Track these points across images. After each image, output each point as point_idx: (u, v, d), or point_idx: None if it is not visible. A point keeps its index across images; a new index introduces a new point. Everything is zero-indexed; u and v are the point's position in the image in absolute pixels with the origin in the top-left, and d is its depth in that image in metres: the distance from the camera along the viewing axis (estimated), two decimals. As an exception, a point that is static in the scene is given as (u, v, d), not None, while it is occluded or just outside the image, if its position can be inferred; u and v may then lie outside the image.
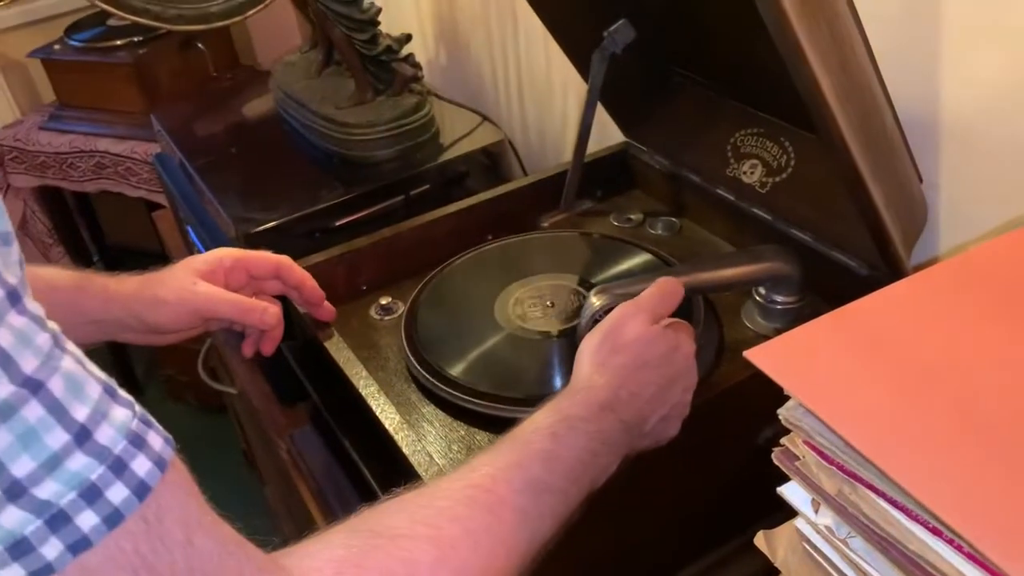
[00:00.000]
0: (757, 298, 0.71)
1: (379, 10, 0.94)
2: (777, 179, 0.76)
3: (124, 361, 2.20)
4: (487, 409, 0.64)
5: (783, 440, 0.36)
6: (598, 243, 0.81)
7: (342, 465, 0.77)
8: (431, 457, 0.57)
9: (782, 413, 0.35)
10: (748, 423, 0.64)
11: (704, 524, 0.68)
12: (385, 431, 0.60)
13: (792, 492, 0.36)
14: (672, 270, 0.66)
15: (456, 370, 0.67)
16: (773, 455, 0.37)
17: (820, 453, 0.32)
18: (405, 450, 0.57)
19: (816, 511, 0.34)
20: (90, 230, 1.98)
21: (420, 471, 0.56)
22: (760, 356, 0.33)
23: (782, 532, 0.38)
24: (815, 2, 0.50)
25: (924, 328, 0.35)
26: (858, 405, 0.30)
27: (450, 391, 0.65)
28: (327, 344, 0.68)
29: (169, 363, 2.10)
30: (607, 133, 0.94)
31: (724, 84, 0.81)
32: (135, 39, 1.67)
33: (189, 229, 1.09)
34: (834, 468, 0.31)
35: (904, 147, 0.63)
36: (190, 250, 1.17)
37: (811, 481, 0.33)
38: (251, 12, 1.47)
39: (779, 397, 0.65)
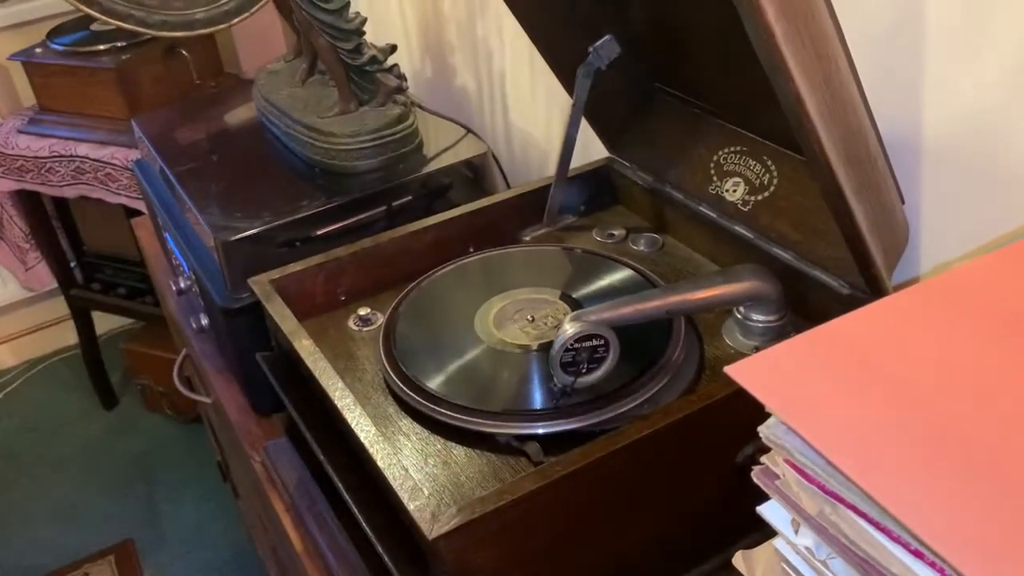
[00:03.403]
0: (738, 316, 0.70)
1: (364, 20, 0.93)
2: (759, 197, 0.76)
3: (99, 369, 2.17)
4: (465, 423, 0.63)
5: (763, 459, 0.36)
6: (581, 258, 0.81)
7: (317, 478, 0.76)
8: (407, 471, 0.56)
9: (762, 431, 0.34)
10: (727, 441, 0.63)
11: (682, 543, 0.67)
12: (360, 444, 0.59)
13: (772, 511, 0.35)
14: (650, 293, 0.66)
15: (434, 383, 0.66)
16: (752, 473, 0.36)
17: (801, 472, 0.31)
18: (380, 463, 0.56)
19: (796, 531, 0.33)
20: (68, 235, 1.95)
21: (395, 485, 0.55)
22: (741, 372, 0.33)
23: (761, 552, 0.38)
24: (800, 19, 0.50)
25: (906, 347, 0.35)
26: (840, 424, 0.29)
27: (428, 404, 0.64)
28: (303, 354, 0.67)
29: (145, 372, 2.08)
30: (590, 149, 0.94)
31: (708, 102, 0.81)
32: (118, 44, 1.65)
33: (167, 236, 1.07)
34: (815, 488, 0.31)
35: (887, 167, 0.63)
36: (168, 258, 1.15)
37: (791, 500, 0.33)
38: (236, 20, 1.47)
39: (759, 415, 0.64)
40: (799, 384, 0.32)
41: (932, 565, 0.26)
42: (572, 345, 0.60)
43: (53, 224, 1.93)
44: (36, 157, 1.70)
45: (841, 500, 0.29)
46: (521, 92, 1.16)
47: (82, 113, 1.69)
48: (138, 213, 1.68)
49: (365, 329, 0.76)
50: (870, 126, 0.61)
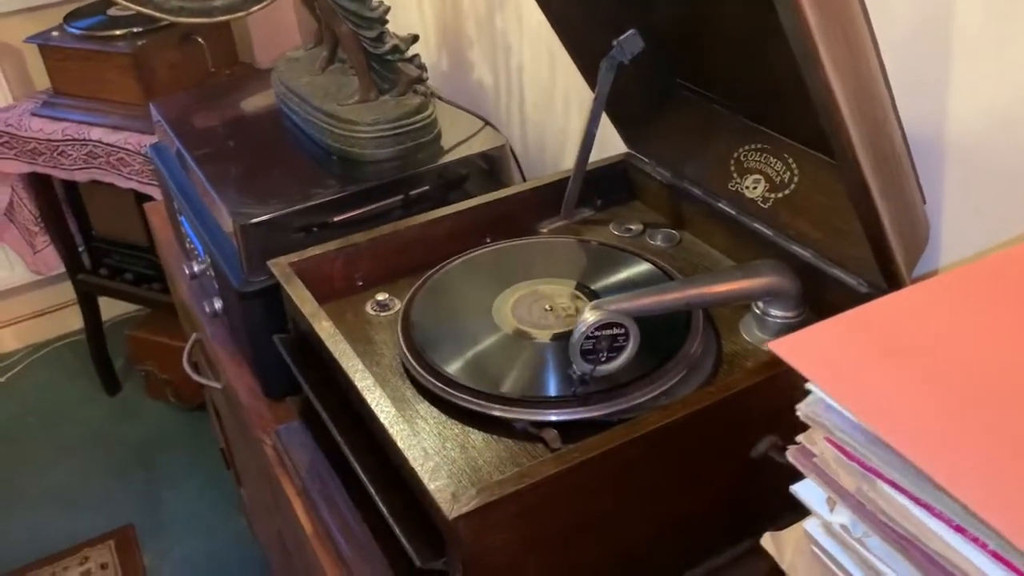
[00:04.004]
0: (756, 311, 0.71)
1: (387, 8, 0.93)
2: (779, 195, 0.77)
3: (103, 355, 2.17)
4: (483, 408, 0.63)
5: (799, 437, 0.36)
6: (599, 251, 0.81)
7: (331, 461, 0.76)
8: (426, 452, 0.56)
9: (801, 409, 0.34)
10: (743, 434, 0.64)
11: (694, 535, 0.67)
12: (380, 425, 0.59)
13: (806, 490, 0.35)
14: (670, 285, 0.66)
15: (453, 368, 0.66)
16: (788, 452, 0.37)
17: (840, 449, 0.32)
18: (400, 444, 0.57)
19: (832, 509, 0.34)
20: (77, 219, 1.95)
21: (415, 465, 0.55)
22: (785, 348, 0.33)
23: (790, 534, 0.38)
24: (834, 9, 0.50)
25: (945, 327, 0.35)
26: (885, 399, 0.30)
27: (446, 389, 0.65)
28: (323, 336, 0.67)
29: (148, 359, 2.08)
30: (607, 144, 0.94)
31: (730, 98, 0.82)
32: (135, 30, 1.66)
33: (183, 220, 1.08)
34: (854, 464, 0.31)
35: (910, 165, 0.64)
36: (182, 242, 1.15)
37: (829, 478, 0.33)
38: (255, 8, 1.46)
39: (774, 410, 0.65)
40: (842, 361, 0.33)
41: (975, 540, 0.27)
42: (593, 333, 0.61)
43: (63, 208, 1.93)
44: (49, 140, 1.70)
45: (881, 476, 0.29)
46: (539, 87, 1.16)
47: (96, 97, 1.70)
48: (148, 199, 1.68)
49: (383, 314, 0.77)
50: (896, 123, 0.61)
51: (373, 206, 0.93)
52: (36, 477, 1.98)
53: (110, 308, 2.23)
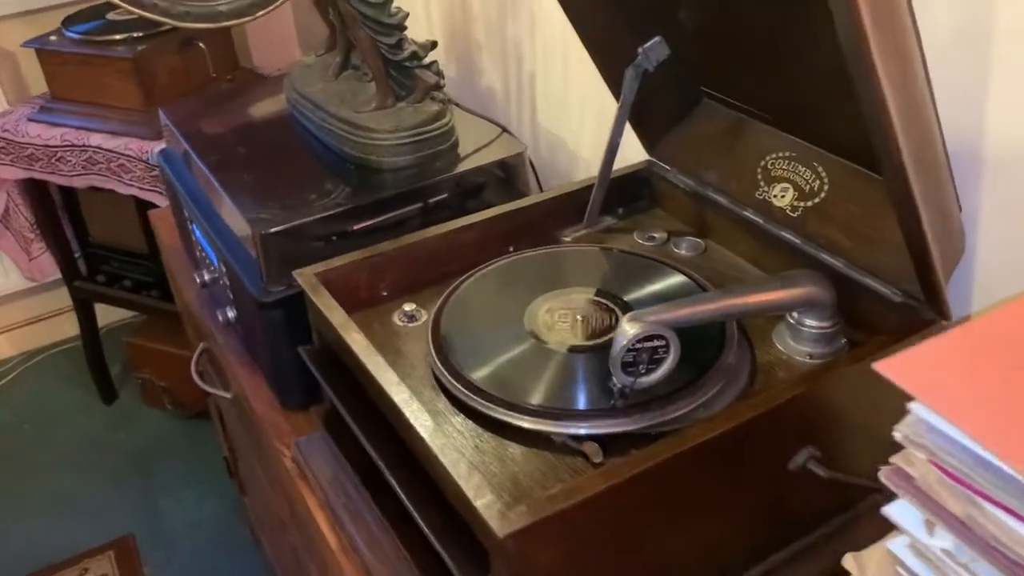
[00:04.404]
0: (790, 321, 0.70)
1: (406, 15, 0.93)
2: (809, 204, 0.76)
3: (99, 363, 2.14)
4: (521, 422, 0.62)
5: (893, 459, 0.35)
6: (629, 260, 0.80)
7: (359, 474, 0.75)
8: (471, 468, 0.55)
9: (901, 430, 0.34)
10: (782, 446, 0.63)
11: (732, 549, 0.67)
12: (420, 440, 0.58)
13: (901, 512, 0.35)
14: (707, 296, 0.65)
15: (487, 380, 0.65)
16: (881, 474, 0.36)
17: (945, 471, 0.31)
18: (444, 460, 0.56)
19: (931, 533, 0.33)
20: (73, 226, 1.93)
21: (460, 482, 0.54)
22: (891, 368, 0.32)
23: (872, 554, 0.37)
24: (887, 21, 0.50)
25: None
26: (999, 420, 0.29)
27: (483, 401, 0.64)
28: (355, 348, 0.66)
29: (146, 366, 2.05)
30: (624, 152, 0.93)
31: (756, 106, 0.81)
32: (135, 34, 1.64)
33: (194, 228, 1.06)
34: (962, 487, 0.30)
35: (949, 174, 0.63)
36: (191, 250, 1.14)
37: (930, 501, 0.32)
38: (261, 13, 1.45)
39: (810, 421, 0.64)
40: (952, 380, 0.32)
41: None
42: (634, 345, 0.60)
43: (59, 214, 1.91)
44: (47, 146, 1.68)
45: (993, 500, 0.29)
46: (552, 95, 1.16)
47: (95, 103, 1.68)
48: (148, 205, 1.66)
49: (410, 325, 0.76)
50: (938, 131, 0.61)
51: (392, 214, 0.92)
52: (33, 486, 1.95)
53: (105, 315, 2.21)
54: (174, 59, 1.68)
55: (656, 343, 0.61)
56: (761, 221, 0.80)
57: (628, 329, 0.61)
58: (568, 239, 0.87)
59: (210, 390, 1.20)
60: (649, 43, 0.80)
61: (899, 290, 0.69)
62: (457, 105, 1.04)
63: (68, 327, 2.35)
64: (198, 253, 1.09)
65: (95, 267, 1.96)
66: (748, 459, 0.62)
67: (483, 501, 0.53)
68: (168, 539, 1.80)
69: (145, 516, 1.85)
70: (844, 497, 0.73)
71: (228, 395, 1.16)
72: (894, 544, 0.35)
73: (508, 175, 0.99)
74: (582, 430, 0.62)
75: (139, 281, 1.93)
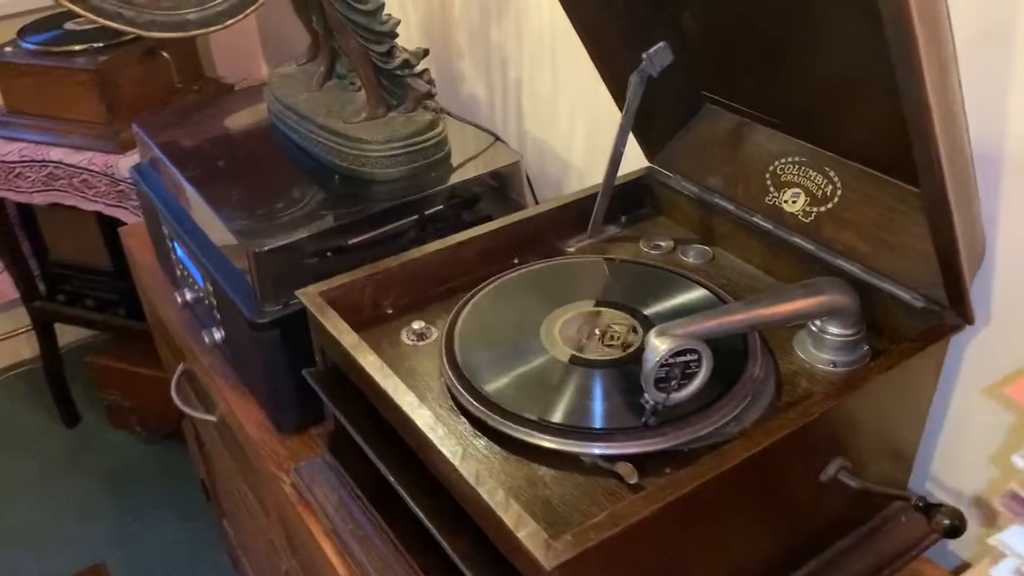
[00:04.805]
0: (812, 329, 0.69)
1: (398, 22, 0.90)
2: (822, 209, 0.75)
3: (61, 385, 2.07)
4: (549, 443, 0.60)
5: (1012, 485, 0.34)
6: (642, 272, 0.78)
7: (371, 500, 0.72)
8: (507, 496, 0.53)
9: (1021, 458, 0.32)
10: (812, 458, 0.62)
11: (764, 564, 0.65)
12: (450, 466, 0.56)
13: (1016, 538, 0.33)
14: (733, 307, 0.64)
15: (510, 401, 0.63)
16: (999, 501, 0.34)
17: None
18: (480, 488, 0.53)
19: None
20: (32, 244, 1.86)
21: (499, 511, 0.51)
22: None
23: (973, 580, 0.36)
24: (931, 17, 0.49)
25: None
26: None
27: (508, 423, 0.61)
28: (371, 371, 0.63)
29: (112, 387, 1.99)
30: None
31: (761, 111, 0.80)
32: (96, 45, 1.58)
33: (175, 246, 1.02)
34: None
35: (974, 179, 0.63)
36: (170, 268, 1.09)
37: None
38: (230, 21, 1.41)
39: (837, 433, 0.63)
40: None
41: None
42: (667, 360, 0.58)
43: (16, 232, 1.83)
44: (3, 161, 1.61)
45: None
46: (540, 101, 1.14)
47: (55, 116, 1.61)
48: (113, 221, 1.61)
49: (420, 343, 0.73)
50: (966, 135, 0.60)
51: (387, 228, 0.89)
52: (-6, 516, 1.87)
53: (64, 335, 2.13)
54: (137, 70, 1.62)
55: (688, 357, 0.59)
56: (772, 227, 0.78)
57: (659, 344, 0.59)
58: (572, 250, 0.85)
59: (192, 413, 1.15)
60: (653, 48, 0.78)
61: (920, 295, 0.68)
62: (448, 114, 1.02)
63: (24, 349, 2.27)
64: (179, 272, 1.05)
65: (55, 286, 1.89)
66: (784, 473, 0.61)
67: (527, 531, 0.50)
68: (142, 566, 1.74)
69: (117, 543, 1.79)
70: (865, 508, 0.72)
71: (213, 418, 1.12)
72: (1000, 570, 0.34)
73: (504, 185, 0.96)
74: (614, 450, 0.59)
75: (103, 300, 1.86)
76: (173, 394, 1.16)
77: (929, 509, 0.63)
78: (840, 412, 0.61)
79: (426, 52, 0.93)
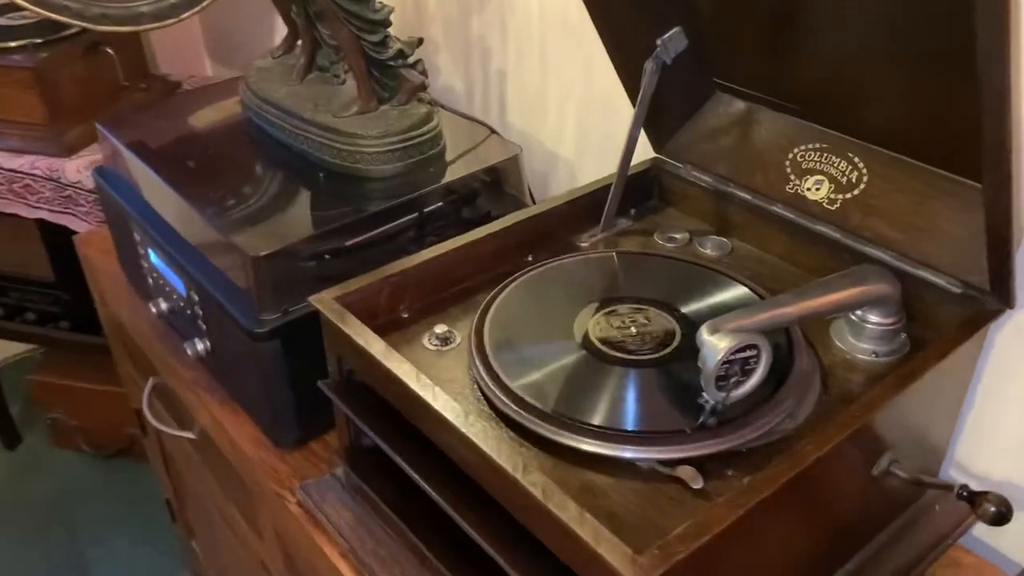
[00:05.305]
0: (852, 318, 0.67)
1: (391, 10, 0.85)
2: (848, 196, 0.74)
3: None
4: (606, 450, 0.57)
5: None
6: (665, 266, 0.76)
7: (400, 518, 0.67)
8: (581, 510, 0.49)
9: None
10: (868, 451, 0.60)
11: (823, 558, 0.63)
12: (513, 481, 0.52)
13: None
14: (781, 299, 0.61)
15: (557, 408, 0.59)
16: None
17: None
18: (550, 503, 0.49)
19: None
20: (-38, 255, 1.74)
21: (574, 525, 0.48)
22: None
23: None
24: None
25: None
26: None
27: (561, 432, 0.58)
28: (409, 382, 0.59)
29: (56, 405, 1.88)
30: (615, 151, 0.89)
31: (777, 96, 0.78)
32: (35, 41, 1.48)
33: (150, 253, 0.95)
34: None
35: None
36: (140, 277, 1.02)
37: None
38: (186, 14, 1.34)
39: (886, 425, 0.61)
40: None
41: None
42: (730, 357, 0.55)
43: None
44: (-67, 168, 1.50)
45: None
46: (526, 92, 1.10)
47: (-10, 118, 1.51)
48: (58, 229, 1.51)
49: (444, 348, 0.68)
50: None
51: (387, 227, 0.84)
52: (-68, 549, 1.75)
53: (-1, 351, 2.01)
54: (80, 67, 1.52)
55: (748, 353, 0.57)
56: (794, 216, 0.77)
57: (718, 342, 0.56)
58: (586, 244, 0.82)
59: (166, 430, 1.09)
60: (668, 34, 0.76)
61: (957, 280, 0.67)
62: (441, 106, 0.97)
63: (-48, 368, 2.13)
64: (152, 280, 0.98)
65: (-11, 297, 1.78)
66: (845, 469, 0.59)
67: (607, 546, 0.47)
68: (100, 593, 1.65)
69: (71, 569, 1.69)
70: (901, 500, 0.71)
71: (190, 435, 1.06)
72: None
73: (502, 180, 0.93)
74: (674, 454, 0.56)
75: (45, 313, 1.75)
76: (145, 411, 1.09)
77: (974, 497, 0.62)
78: (897, 404, 0.59)
79: (420, 41, 0.89)
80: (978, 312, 0.65)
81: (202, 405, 0.94)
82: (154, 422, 1.07)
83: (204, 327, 0.88)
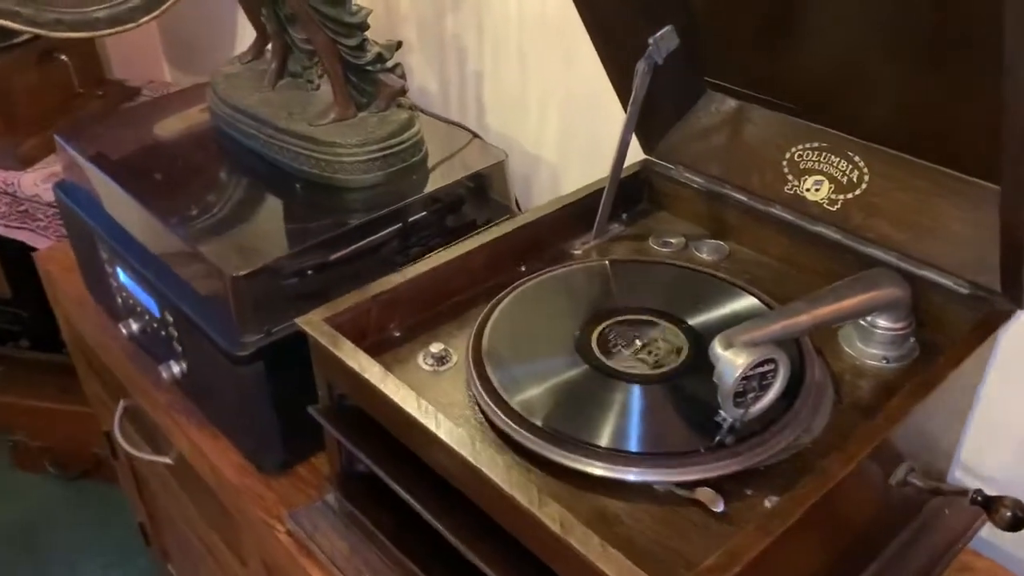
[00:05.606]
0: (861, 323, 0.65)
1: (369, 12, 0.81)
2: (849, 196, 0.72)
3: (-43, 426, 1.87)
4: (621, 473, 0.54)
5: None
6: (668, 274, 0.73)
7: (396, 546, 0.64)
8: (602, 542, 0.47)
9: None
10: (884, 462, 0.59)
11: (839, 569, 0.61)
12: (529, 515, 0.49)
13: None
14: (793, 308, 0.59)
15: (567, 430, 0.56)
16: None
17: None
18: (571, 538, 0.46)
19: None
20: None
21: (600, 563, 0.45)
22: None
23: None
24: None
25: None
26: None
27: (573, 456, 0.55)
28: (410, 410, 0.56)
29: (18, 426, 1.81)
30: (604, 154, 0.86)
31: (771, 95, 0.76)
32: (-16, 49, 1.41)
33: (118, 271, 0.90)
34: None
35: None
36: (111, 296, 0.97)
37: None
38: (146, 18, 1.28)
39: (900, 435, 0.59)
40: None
41: None
42: (749, 372, 0.53)
43: None
44: None
45: None
46: (504, 93, 1.07)
47: (-64, 130, 1.44)
48: (13, 245, 1.44)
49: (442, 369, 0.65)
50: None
51: (371, 239, 0.81)
52: None
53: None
54: (33, 75, 1.46)
55: (765, 368, 0.54)
56: (794, 218, 0.75)
57: (735, 358, 0.53)
58: (579, 252, 0.79)
59: (140, 455, 1.04)
60: (660, 32, 0.73)
61: (965, 281, 0.65)
62: (421, 111, 0.94)
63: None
64: (121, 300, 0.93)
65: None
66: (865, 482, 0.57)
67: (637, 582, 0.44)
68: (71, 621, 1.59)
69: (40, 598, 1.63)
70: (913, 506, 0.70)
71: (167, 460, 1.01)
72: None
73: (487, 186, 0.89)
74: (692, 475, 0.54)
75: (3, 331, 1.69)
76: (117, 436, 1.04)
77: (990, 502, 0.61)
78: (916, 414, 0.57)
79: (399, 44, 0.85)
80: (989, 314, 0.63)
81: (179, 429, 0.90)
82: (127, 447, 1.02)
83: (180, 349, 0.84)
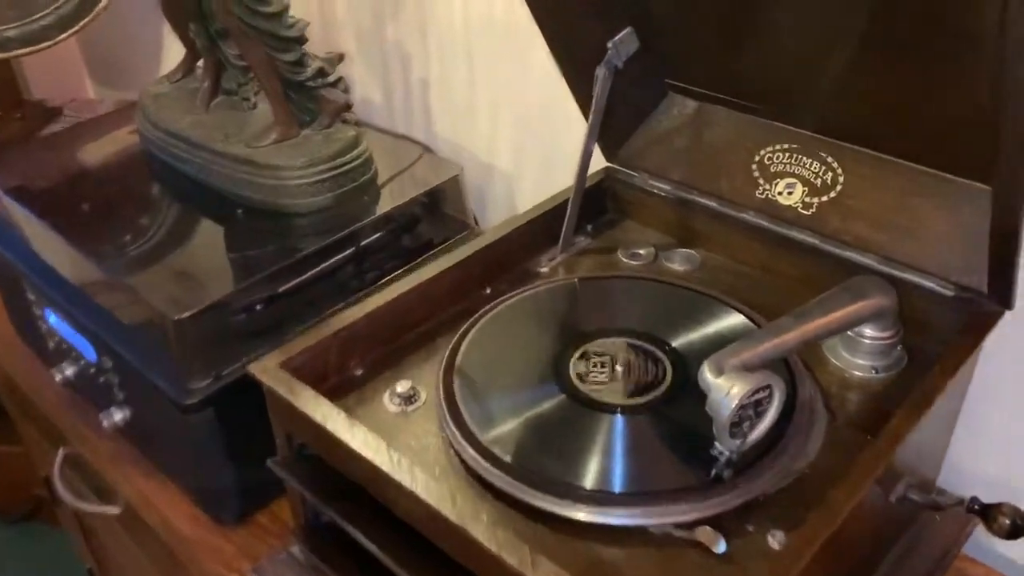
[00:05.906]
0: (848, 334, 0.62)
1: (307, 25, 0.76)
2: (823, 198, 0.69)
3: None
4: (613, 518, 0.50)
5: None
6: (642, 290, 0.70)
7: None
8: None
9: None
10: (886, 479, 0.56)
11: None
12: (514, 573, 0.45)
13: None
14: (780, 325, 0.56)
15: (556, 475, 0.52)
16: None
17: None
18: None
19: None
20: None
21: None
22: None
23: None
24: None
25: None
26: None
27: (565, 502, 0.51)
28: (380, 463, 0.51)
29: (-50, 470, 1.70)
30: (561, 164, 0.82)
31: (736, 96, 0.73)
32: None
33: (47, 314, 0.83)
34: None
35: None
36: (40, 340, 0.90)
37: None
38: (61, 36, 1.22)
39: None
40: None
41: None
42: (747, 401, 0.50)
43: None
44: None
45: None
46: (453, 101, 1.02)
47: None
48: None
49: (410, 409, 0.61)
50: None
51: (323, 267, 0.76)
52: None
53: None
54: (-57, 99, 1.37)
55: (761, 394, 0.51)
56: (767, 223, 0.72)
57: (729, 387, 0.50)
58: (546, 269, 0.75)
59: (85, 508, 0.97)
60: (619, 36, 0.69)
61: (949, 283, 0.63)
62: (368, 126, 0.89)
63: None
64: (53, 344, 0.86)
65: None
66: (869, 505, 0.54)
67: (646, 649, 0.40)
68: (20, 675, 1.50)
69: (-16, 653, 1.54)
70: (907, 518, 0.67)
71: (114, 510, 0.94)
72: None
73: (443, 202, 0.85)
74: (691, 514, 0.50)
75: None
76: (57, 485, 0.97)
77: (987, 510, 0.59)
78: (916, 431, 0.54)
79: (341, 57, 0.80)
80: (976, 316, 0.61)
81: (125, 480, 0.83)
82: (70, 498, 0.95)
83: (121, 396, 0.78)
